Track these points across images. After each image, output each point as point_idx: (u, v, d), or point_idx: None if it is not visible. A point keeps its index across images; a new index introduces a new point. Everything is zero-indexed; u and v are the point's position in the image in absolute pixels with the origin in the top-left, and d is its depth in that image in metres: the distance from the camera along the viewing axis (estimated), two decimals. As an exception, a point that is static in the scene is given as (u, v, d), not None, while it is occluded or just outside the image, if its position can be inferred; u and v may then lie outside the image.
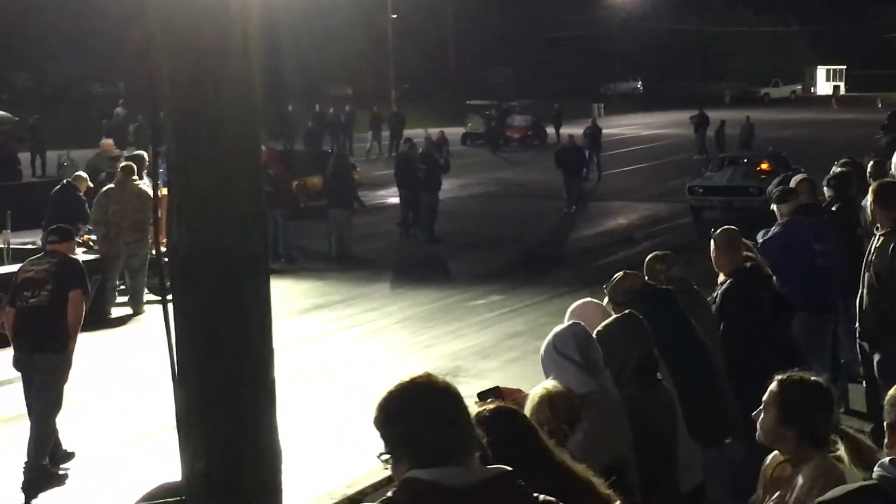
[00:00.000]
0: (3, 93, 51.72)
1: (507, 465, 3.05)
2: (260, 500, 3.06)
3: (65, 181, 17.78)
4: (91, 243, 16.22)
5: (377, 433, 3.09)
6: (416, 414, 2.98)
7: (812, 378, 4.52)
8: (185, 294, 3.00)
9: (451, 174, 27.08)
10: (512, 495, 3.01)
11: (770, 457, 4.67)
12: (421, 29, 71.25)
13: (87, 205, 16.75)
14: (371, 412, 3.04)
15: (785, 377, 4.53)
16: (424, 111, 56.31)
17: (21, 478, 9.12)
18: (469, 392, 10.24)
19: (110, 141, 23.14)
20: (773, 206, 9.98)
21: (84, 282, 9.62)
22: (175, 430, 3.05)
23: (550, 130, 48.78)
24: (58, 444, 9.52)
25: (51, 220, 15.30)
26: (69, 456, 9.59)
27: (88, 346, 10.57)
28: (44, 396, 9.30)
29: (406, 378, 3.07)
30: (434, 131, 37.47)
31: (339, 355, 13.49)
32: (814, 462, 4.34)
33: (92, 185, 18.37)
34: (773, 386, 4.53)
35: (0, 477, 9.29)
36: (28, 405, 9.42)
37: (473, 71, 78.78)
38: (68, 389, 9.52)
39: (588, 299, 6.35)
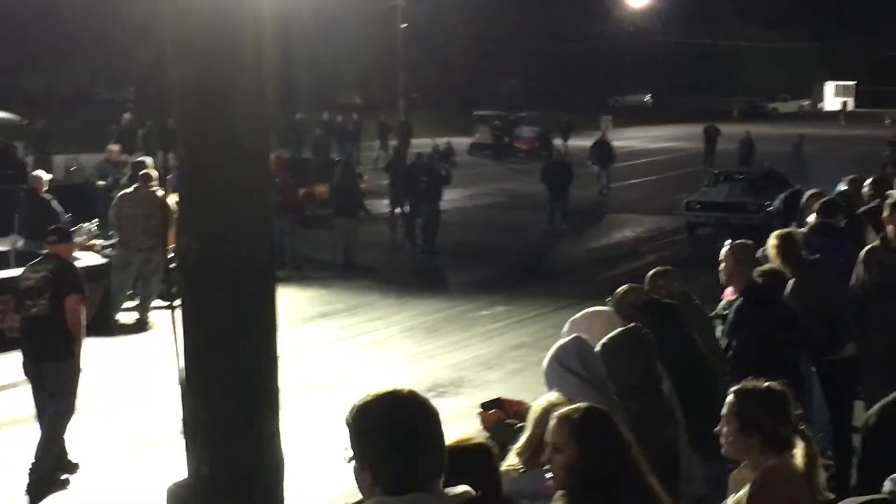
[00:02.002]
0: (15, 97, 51.80)
1: (599, 479, 2.91)
2: (263, 507, 3.09)
3: (25, 186, 17.16)
4: (98, 248, 16.21)
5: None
6: (390, 434, 2.79)
7: (765, 384, 4.59)
8: (193, 300, 3.03)
9: (458, 184, 26.92)
10: None
11: (739, 466, 4.71)
12: (431, 38, 71.21)
13: (51, 203, 16.25)
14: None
15: (739, 387, 4.61)
16: (433, 120, 56.25)
17: (26, 480, 9.16)
18: (472, 403, 10.25)
19: (116, 147, 23.18)
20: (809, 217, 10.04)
21: (79, 285, 9.57)
22: (180, 437, 3.08)
23: (559, 142, 48.66)
24: (64, 451, 9.53)
25: (27, 226, 15.30)
26: (74, 467, 9.58)
27: (93, 352, 10.60)
28: (57, 401, 9.34)
29: (386, 390, 2.88)
30: (441, 141, 37.42)
31: (343, 364, 13.48)
32: (769, 462, 4.37)
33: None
34: (729, 398, 4.59)
35: (6, 479, 9.33)
36: (38, 410, 9.45)
37: (483, 81, 78.80)
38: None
39: (593, 308, 6.38)
